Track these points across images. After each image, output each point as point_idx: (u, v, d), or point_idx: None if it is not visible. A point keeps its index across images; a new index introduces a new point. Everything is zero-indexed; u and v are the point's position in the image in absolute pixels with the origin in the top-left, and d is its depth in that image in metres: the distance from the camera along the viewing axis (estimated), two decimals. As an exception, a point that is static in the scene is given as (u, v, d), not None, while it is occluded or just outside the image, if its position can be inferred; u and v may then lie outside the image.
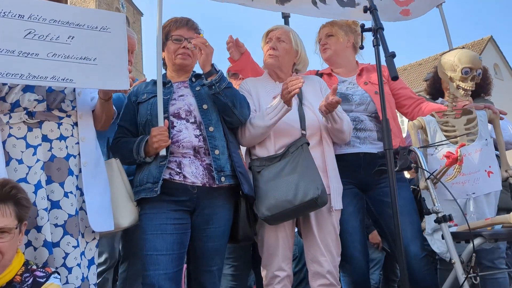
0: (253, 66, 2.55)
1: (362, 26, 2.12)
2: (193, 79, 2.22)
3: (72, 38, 1.77)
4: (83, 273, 1.75)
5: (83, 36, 1.79)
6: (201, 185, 1.98)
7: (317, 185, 1.96)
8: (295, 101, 2.24)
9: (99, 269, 2.47)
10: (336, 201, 2.14)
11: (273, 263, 2.10)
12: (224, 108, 2.09)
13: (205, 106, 2.09)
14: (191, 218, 2.02)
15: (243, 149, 2.32)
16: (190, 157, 1.99)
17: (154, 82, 2.16)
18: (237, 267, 2.60)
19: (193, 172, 1.98)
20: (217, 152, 2.02)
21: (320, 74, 2.63)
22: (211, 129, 2.05)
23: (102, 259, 2.49)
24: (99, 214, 1.80)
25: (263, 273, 2.15)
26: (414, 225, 2.27)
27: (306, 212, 2.07)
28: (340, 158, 2.30)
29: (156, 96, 2.06)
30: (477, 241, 1.92)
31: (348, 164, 2.28)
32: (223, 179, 1.99)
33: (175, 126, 2.03)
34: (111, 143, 2.14)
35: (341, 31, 2.59)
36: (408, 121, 2.55)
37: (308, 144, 2.11)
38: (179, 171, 1.97)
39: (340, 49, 2.58)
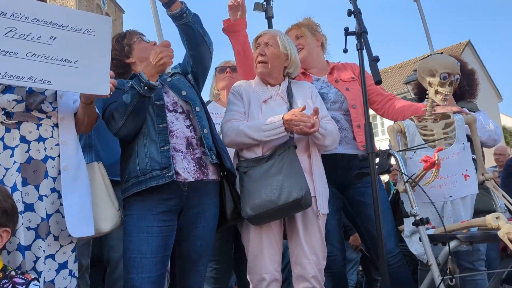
0: (245, 34, 2.53)
1: (346, 29, 2.15)
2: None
3: (54, 39, 1.72)
4: (44, 277, 1.71)
5: (65, 38, 1.75)
6: (193, 180, 1.97)
7: (301, 187, 1.97)
8: (285, 105, 2.26)
9: None
10: (323, 205, 2.16)
11: (259, 265, 2.09)
12: (195, 39, 2.09)
13: (183, 93, 2.10)
14: (178, 218, 2.00)
15: (232, 151, 2.33)
16: (182, 151, 1.99)
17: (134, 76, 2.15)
18: (219, 270, 2.60)
19: (185, 168, 1.97)
20: (206, 131, 2.05)
21: None
22: (197, 109, 2.07)
23: None
24: (78, 219, 1.76)
25: (249, 277, 2.14)
26: (389, 223, 2.34)
27: (290, 213, 2.08)
28: None
29: None
30: (453, 243, 1.96)
31: (325, 165, 2.30)
32: (213, 157, 2.02)
33: (167, 117, 2.01)
34: (106, 114, 2.00)
35: (308, 31, 2.64)
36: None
37: (296, 147, 2.13)
38: (173, 166, 1.94)
39: (311, 49, 2.63)
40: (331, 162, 2.36)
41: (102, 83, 1.79)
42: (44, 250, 1.70)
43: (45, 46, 1.71)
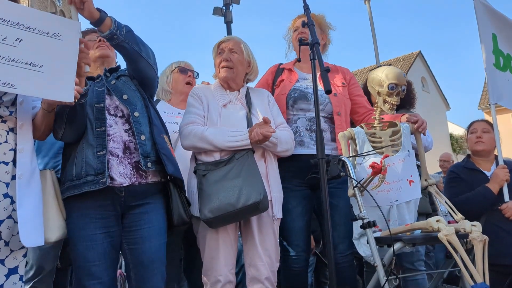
0: None
1: (300, 40, 2.23)
2: (108, 74, 2.19)
3: (20, 41, 1.65)
4: None
5: (32, 40, 1.68)
6: (129, 184, 1.93)
7: (259, 191, 2.01)
8: (244, 110, 2.30)
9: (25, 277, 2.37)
10: (278, 209, 2.21)
11: (215, 267, 2.12)
12: (132, 57, 2.05)
13: (125, 97, 2.07)
14: (122, 221, 1.98)
15: (189, 154, 2.33)
16: (118, 156, 1.96)
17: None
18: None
19: (121, 173, 1.93)
20: (143, 137, 2.00)
21: (281, 69, 2.68)
22: (136, 114, 2.04)
23: (28, 267, 2.37)
24: (30, 228, 1.71)
25: (205, 279, 2.15)
26: (347, 226, 2.39)
27: (247, 216, 2.12)
28: (294, 159, 2.38)
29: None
30: (397, 245, 2.06)
31: (302, 165, 2.34)
32: (149, 164, 1.97)
33: (106, 119, 1.99)
34: None
35: (318, 29, 2.64)
36: None
37: (253, 151, 2.17)
38: (107, 172, 1.91)
39: None
40: (308, 161, 2.41)
41: (67, 90, 1.73)
42: None
43: (10, 48, 1.64)
